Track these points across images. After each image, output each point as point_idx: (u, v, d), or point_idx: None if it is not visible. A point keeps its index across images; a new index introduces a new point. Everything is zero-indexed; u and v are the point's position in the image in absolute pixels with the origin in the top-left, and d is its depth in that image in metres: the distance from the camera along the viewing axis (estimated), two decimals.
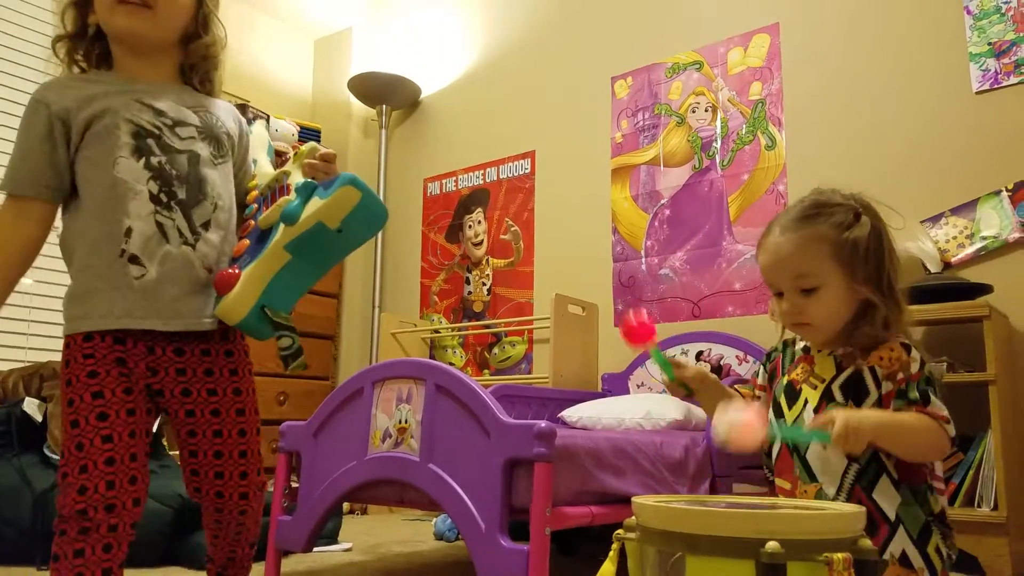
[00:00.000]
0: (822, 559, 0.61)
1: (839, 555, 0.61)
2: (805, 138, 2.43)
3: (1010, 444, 1.76)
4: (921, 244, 2.07)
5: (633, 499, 0.75)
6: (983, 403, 1.74)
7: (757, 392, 1.05)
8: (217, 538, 1.04)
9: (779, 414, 0.98)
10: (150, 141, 0.91)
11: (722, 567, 0.63)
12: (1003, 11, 2.12)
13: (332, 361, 3.29)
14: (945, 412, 0.89)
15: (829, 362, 0.96)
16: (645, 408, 2.08)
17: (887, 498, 0.88)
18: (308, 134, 3.39)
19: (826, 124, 2.39)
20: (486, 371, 3.08)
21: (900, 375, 0.90)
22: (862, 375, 0.92)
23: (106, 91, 0.92)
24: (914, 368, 0.90)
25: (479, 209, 3.24)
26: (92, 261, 0.88)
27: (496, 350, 3.09)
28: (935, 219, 2.14)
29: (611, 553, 0.75)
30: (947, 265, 2.08)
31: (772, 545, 0.60)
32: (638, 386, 2.57)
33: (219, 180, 0.96)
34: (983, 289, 1.92)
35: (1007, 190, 2.05)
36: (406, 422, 1.46)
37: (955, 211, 2.11)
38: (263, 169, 1.02)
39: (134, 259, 0.88)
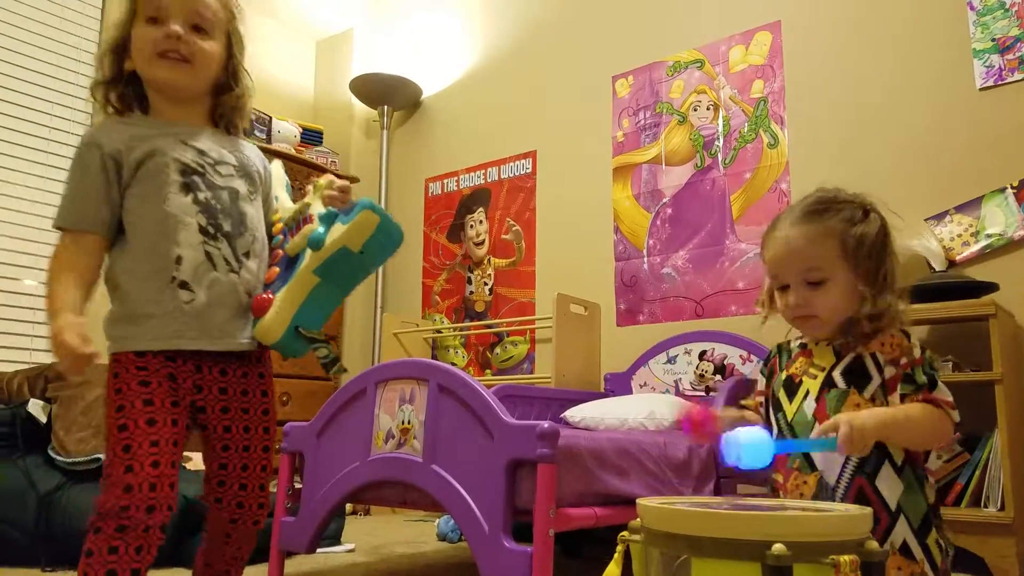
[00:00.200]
0: (828, 561, 0.60)
1: (846, 557, 0.60)
2: (807, 136, 2.42)
3: (1017, 444, 1.75)
4: (926, 242, 2.05)
5: (637, 501, 0.74)
6: (989, 402, 1.73)
7: (759, 399, 1.05)
8: (226, 545, 1.07)
9: (778, 408, 0.98)
10: (196, 178, 0.99)
11: (727, 570, 0.63)
12: (1007, 7, 2.11)
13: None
14: (950, 398, 0.89)
15: (828, 352, 0.97)
16: (648, 408, 2.07)
17: (889, 486, 0.88)
18: (310, 135, 3.39)
19: (829, 122, 2.38)
20: (488, 371, 3.08)
21: (903, 359, 0.91)
22: (863, 361, 0.93)
23: (151, 133, 0.99)
24: (916, 353, 0.92)
25: (481, 209, 3.24)
26: (143, 287, 0.95)
27: (498, 350, 3.08)
28: (939, 217, 2.13)
29: (615, 555, 0.74)
30: (952, 263, 2.06)
31: (778, 547, 0.60)
32: (641, 386, 2.56)
33: (255, 214, 1.05)
34: (988, 287, 1.91)
35: (1012, 187, 2.03)
36: (409, 423, 1.45)
37: (960, 209, 2.10)
38: (284, 204, 1.11)
39: (184, 285, 0.95)
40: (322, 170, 3.28)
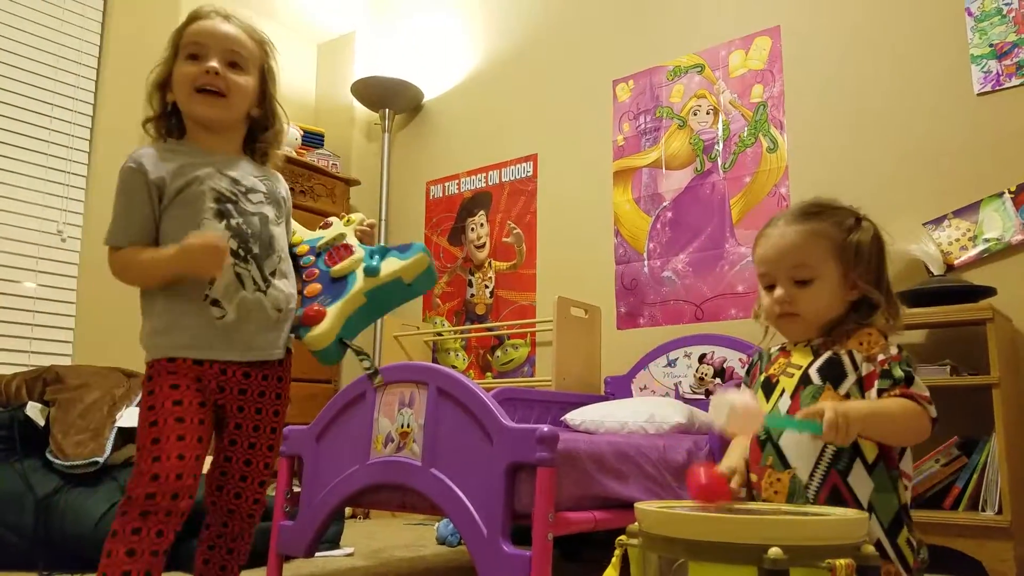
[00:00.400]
0: (825, 565, 0.61)
1: (842, 561, 0.61)
2: (807, 140, 2.42)
3: (1014, 448, 1.75)
4: (924, 246, 2.06)
5: (636, 505, 0.74)
6: (987, 406, 1.73)
7: None
8: (223, 537, 1.13)
9: None
10: (229, 205, 1.08)
11: (724, 573, 0.63)
12: (1004, 13, 2.11)
13: (335, 365, 3.29)
14: (927, 393, 0.90)
15: (806, 351, 0.98)
16: (648, 411, 2.07)
17: (861, 484, 0.88)
18: (311, 138, 3.40)
19: (828, 126, 2.38)
20: (488, 374, 3.08)
21: (881, 356, 0.92)
22: (840, 358, 0.94)
23: (192, 162, 1.08)
24: (893, 350, 0.93)
25: (481, 212, 3.24)
26: (176, 303, 1.04)
27: (499, 353, 3.09)
28: (937, 221, 2.13)
29: (614, 559, 0.75)
30: (950, 267, 2.07)
31: (775, 551, 0.60)
32: (641, 389, 2.56)
33: (281, 236, 1.15)
34: (986, 291, 1.91)
35: (1010, 192, 2.04)
36: (408, 426, 1.46)
37: (957, 213, 2.11)
38: (299, 228, 1.24)
39: (215, 303, 1.04)
40: (323, 173, 3.29)
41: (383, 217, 3.45)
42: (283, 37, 3.63)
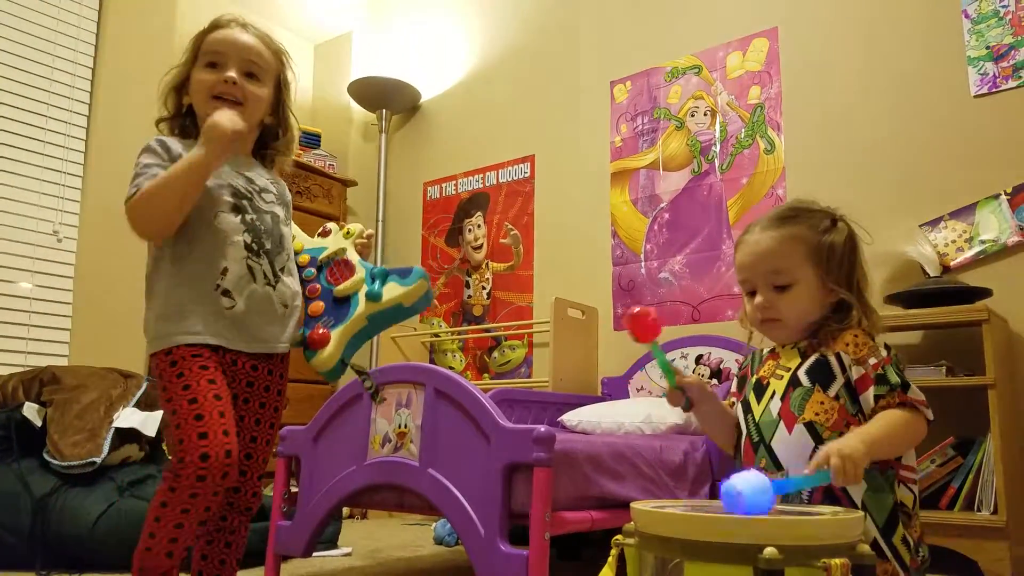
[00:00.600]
0: (820, 565, 0.61)
1: (837, 561, 0.61)
2: (804, 142, 2.43)
3: (1010, 448, 1.76)
4: (920, 248, 2.07)
5: (632, 505, 0.75)
6: (982, 407, 1.74)
7: (732, 399, 1.08)
8: (211, 544, 1.13)
9: (747, 410, 1.00)
10: (244, 202, 1.11)
11: (720, 573, 0.64)
12: (1001, 15, 2.12)
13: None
14: (923, 397, 0.91)
15: (794, 353, 0.99)
16: (645, 412, 2.08)
17: (854, 485, 0.88)
18: (308, 138, 3.40)
19: (825, 128, 2.39)
20: (486, 375, 3.08)
21: (872, 360, 0.92)
22: (827, 360, 0.95)
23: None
24: (883, 352, 0.93)
25: (479, 213, 3.24)
26: (187, 290, 1.05)
27: (496, 354, 3.09)
28: (934, 223, 2.14)
29: (610, 559, 0.75)
30: (946, 269, 2.08)
31: (770, 551, 0.60)
32: (638, 390, 2.56)
33: (289, 236, 1.19)
34: (982, 293, 1.92)
35: (1006, 194, 2.05)
36: (405, 427, 1.46)
37: (954, 215, 2.12)
38: (298, 233, 1.26)
39: (226, 293, 1.06)
40: (320, 174, 3.29)
41: (380, 218, 3.45)
42: (280, 37, 3.60)
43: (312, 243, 1.23)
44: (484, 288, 3.16)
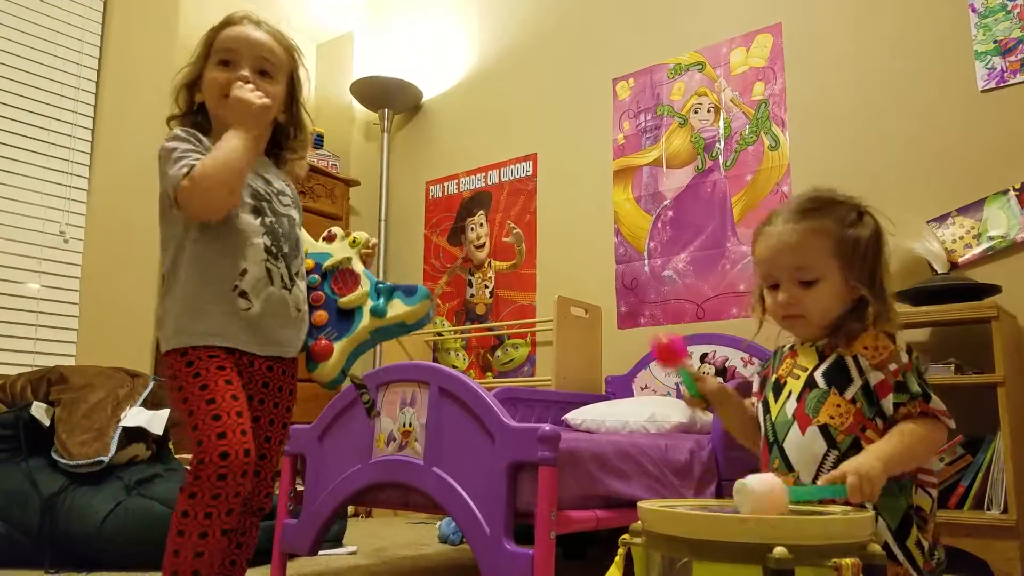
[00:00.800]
0: (830, 565, 0.61)
1: (847, 560, 0.60)
2: (809, 138, 2.42)
3: (1019, 446, 1.74)
4: (928, 244, 2.05)
5: (638, 504, 0.74)
6: (992, 405, 1.72)
7: (754, 400, 1.06)
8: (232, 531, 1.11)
9: (766, 410, 0.99)
10: (264, 204, 1.10)
11: (729, 573, 0.63)
12: (1009, 9, 2.11)
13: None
14: (944, 406, 0.89)
15: (812, 353, 0.97)
16: (649, 411, 2.07)
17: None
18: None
19: (830, 124, 2.38)
20: (489, 374, 3.08)
21: (893, 365, 0.90)
22: (845, 362, 0.93)
23: None
24: (904, 357, 0.91)
25: (481, 212, 3.24)
26: (205, 289, 1.04)
27: (499, 353, 3.08)
28: (941, 219, 2.13)
29: (617, 558, 0.74)
30: (954, 265, 2.06)
31: (779, 551, 0.60)
32: (642, 388, 2.56)
33: (302, 241, 1.18)
34: (991, 289, 1.91)
35: (1014, 189, 2.03)
36: (410, 425, 1.46)
37: (962, 211, 2.10)
38: (305, 237, 1.25)
39: (243, 294, 1.05)
40: (323, 173, 3.29)
41: (382, 217, 3.45)
42: None
43: (316, 248, 1.23)
44: (487, 287, 3.16)
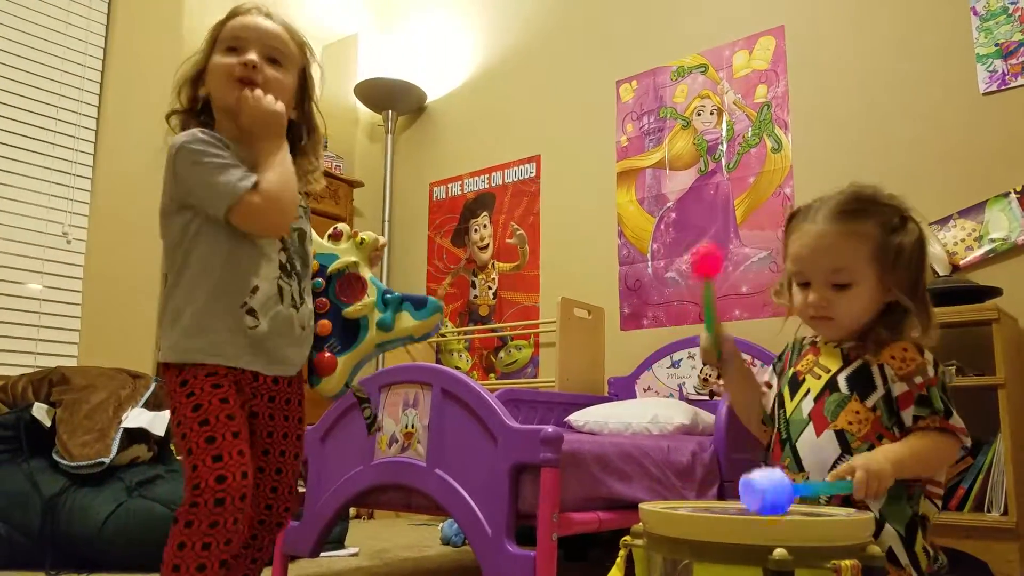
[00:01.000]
0: (830, 566, 0.61)
1: (847, 562, 0.61)
2: (811, 140, 2.42)
3: (1020, 448, 1.74)
4: (929, 246, 2.05)
5: (640, 505, 0.74)
6: (992, 407, 1.72)
7: (764, 389, 1.04)
8: (248, 548, 1.08)
9: (781, 405, 0.98)
10: None
11: (729, 574, 0.63)
12: (1010, 12, 2.11)
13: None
14: (963, 425, 0.88)
15: (836, 354, 0.95)
16: (652, 412, 2.07)
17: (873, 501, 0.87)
18: None
19: (832, 126, 2.38)
20: (492, 375, 3.08)
21: (919, 378, 0.88)
22: (870, 370, 0.91)
23: (243, 160, 1.01)
24: (931, 371, 0.89)
25: (485, 213, 3.25)
26: (212, 305, 0.99)
27: (502, 354, 3.09)
28: (943, 221, 2.13)
29: (618, 560, 0.75)
30: (955, 268, 2.06)
31: (779, 552, 0.60)
32: (644, 390, 2.56)
33: (311, 255, 1.11)
34: (992, 292, 1.91)
35: (1015, 192, 2.03)
36: (412, 427, 1.46)
37: (963, 213, 2.10)
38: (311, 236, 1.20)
39: (251, 312, 1.00)
40: (327, 175, 3.28)
41: (386, 219, 3.45)
42: None
43: (322, 248, 1.17)
44: (490, 288, 3.16)
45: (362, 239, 1.15)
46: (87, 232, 2.62)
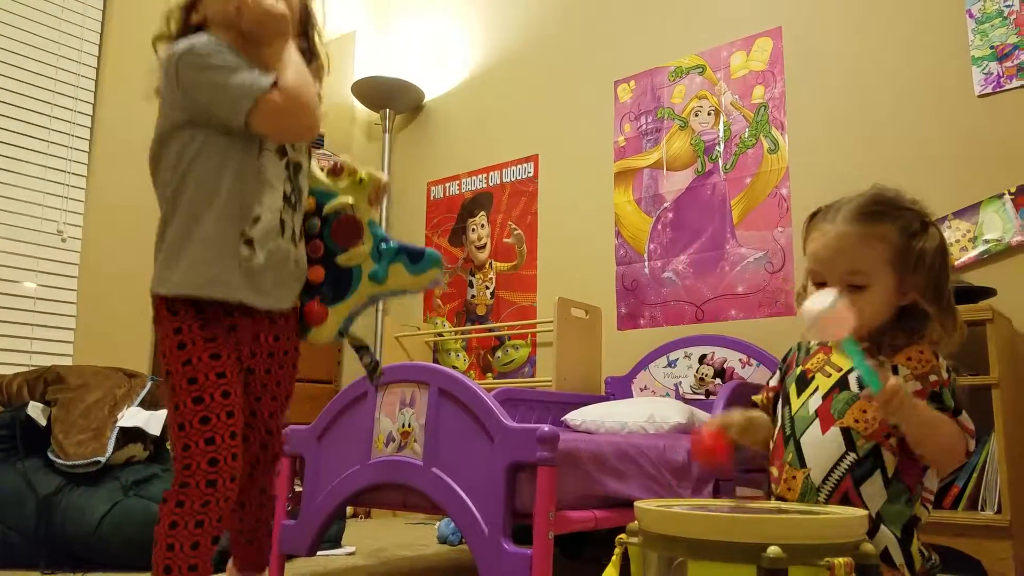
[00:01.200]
0: (824, 564, 0.61)
1: (840, 560, 0.61)
2: (808, 141, 2.43)
3: (1013, 447, 1.76)
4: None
5: (636, 503, 0.75)
6: (986, 407, 1.73)
7: (770, 395, 1.04)
8: (250, 489, 1.08)
9: (786, 402, 0.97)
10: (287, 145, 0.98)
11: (724, 572, 0.64)
12: (1005, 15, 2.12)
13: (335, 365, 3.30)
14: (972, 426, 0.89)
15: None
16: (648, 411, 2.08)
17: (875, 494, 0.87)
18: None
19: (829, 127, 2.39)
20: (489, 374, 3.08)
21: (933, 377, 0.89)
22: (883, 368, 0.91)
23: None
24: (944, 374, 0.90)
25: (482, 212, 3.25)
26: (209, 232, 0.92)
27: (499, 353, 3.09)
28: (938, 222, 2.13)
29: (614, 558, 0.75)
30: None
31: (774, 550, 0.60)
32: (641, 389, 2.56)
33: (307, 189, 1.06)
34: (986, 292, 1.92)
35: (1010, 193, 2.04)
36: (409, 426, 1.46)
37: (958, 214, 2.11)
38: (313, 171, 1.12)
39: (249, 242, 0.94)
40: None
41: (384, 218, 3.45)
42: None
43: (319, 182, 1.08)
44: (488, 288, 3.17)
45: (361, 178, 1.08)
46: (82, 230, 2.61)
